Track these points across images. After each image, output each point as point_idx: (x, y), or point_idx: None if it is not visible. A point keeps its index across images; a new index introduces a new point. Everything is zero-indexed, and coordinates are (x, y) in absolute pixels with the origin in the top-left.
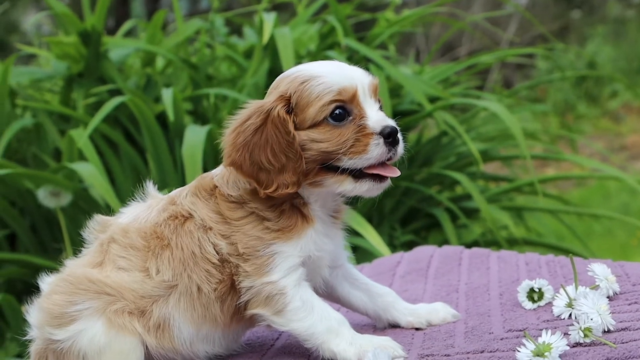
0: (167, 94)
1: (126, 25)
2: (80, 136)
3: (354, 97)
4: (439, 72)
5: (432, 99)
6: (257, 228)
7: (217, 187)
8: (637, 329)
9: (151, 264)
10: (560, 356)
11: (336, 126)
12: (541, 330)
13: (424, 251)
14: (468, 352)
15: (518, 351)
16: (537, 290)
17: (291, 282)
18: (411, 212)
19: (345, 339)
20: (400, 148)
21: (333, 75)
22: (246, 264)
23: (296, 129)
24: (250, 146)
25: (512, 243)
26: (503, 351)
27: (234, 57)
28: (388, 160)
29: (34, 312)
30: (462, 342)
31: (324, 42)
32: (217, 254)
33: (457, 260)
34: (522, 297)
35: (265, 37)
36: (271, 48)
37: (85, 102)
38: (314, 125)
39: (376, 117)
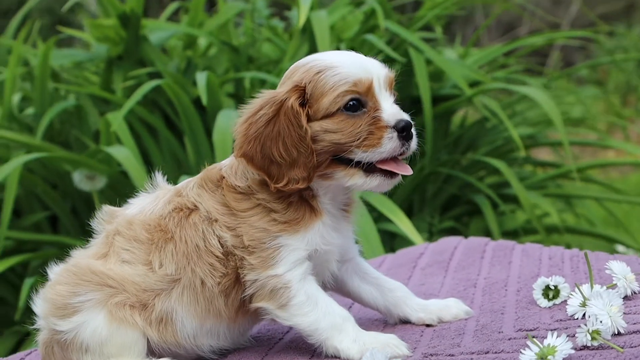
0: (201, 78)
1: (172, 6)
2: (116, 119)
3: (369, 89)
4: (485, 54)
5: (476, 83)
6: (263, 220)
7: (223, 178)
8: None
9: (154, 257)
10: None
11: (350, 117)
12: (553, 330)
13: (448, 242)
14: (472, 353)
15: (522, 353)
16: (552, 287)
17: (296, 276)
18: (453, 198)
19: (349, 335)
20: (414, 143)
21: (349, 66)
22: (251, 257)
23: (309, 119)
24: (262, 138)
25: (556, 231)
26: (508, 352)
27: (274, 39)
28: (401, 155)
29: (39, 302)
30: (469, 341)
31: (366, 24)
32: (222, 246)
33: (481, 252)
34: (537, 294)
35: (301, 20)
36: (309, 31)
37: (124, 85)
38: (328, 116)
39: (391, 110)
